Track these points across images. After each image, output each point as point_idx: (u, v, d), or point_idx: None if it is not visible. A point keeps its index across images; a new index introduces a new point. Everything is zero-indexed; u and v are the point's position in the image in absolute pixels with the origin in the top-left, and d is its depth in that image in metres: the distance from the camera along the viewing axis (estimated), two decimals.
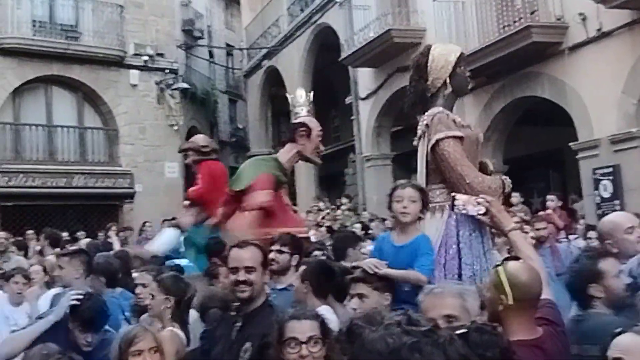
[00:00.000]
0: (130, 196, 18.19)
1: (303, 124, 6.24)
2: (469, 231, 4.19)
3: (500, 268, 2.97)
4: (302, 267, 4.38)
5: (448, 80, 4.29)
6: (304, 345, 2.88)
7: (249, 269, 3.61)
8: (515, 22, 11.87)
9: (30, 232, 11.47)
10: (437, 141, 4.15)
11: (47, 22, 18.04)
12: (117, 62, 18.54)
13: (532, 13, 11.70)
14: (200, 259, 6.51)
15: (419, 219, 4.07)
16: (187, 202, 7.70)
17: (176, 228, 7.27)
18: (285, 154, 6.41)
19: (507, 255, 3.91)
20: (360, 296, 3.74)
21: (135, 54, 18.85)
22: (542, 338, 2.91)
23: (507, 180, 4.37)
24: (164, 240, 7.14)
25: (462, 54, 4.46)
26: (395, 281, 3.93)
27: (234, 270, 3.67)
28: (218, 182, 7.17)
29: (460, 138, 4.18)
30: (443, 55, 4.35)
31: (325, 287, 4.22)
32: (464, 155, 4.15)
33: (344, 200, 15.78)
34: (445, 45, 4.71)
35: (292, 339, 2.90)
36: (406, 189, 4.03)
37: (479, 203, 3.68)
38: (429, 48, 4.44)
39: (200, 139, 8.07)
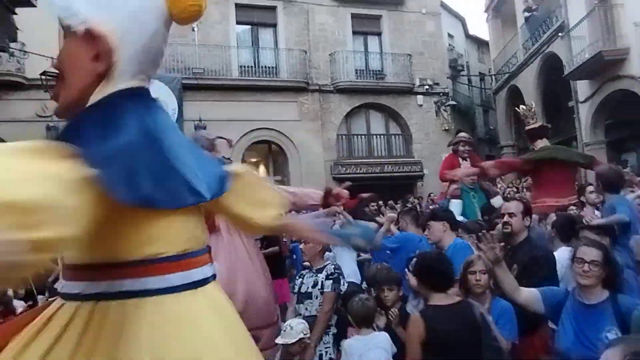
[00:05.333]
0: (420, 177, 23.44)
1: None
2: None
3: None
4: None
5: None
6: (586, 264, 3.47)
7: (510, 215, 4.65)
8: None
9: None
10: None
11: (364, 69, 24.27)
12: (408, 91, 24.29)
13: None
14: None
15: None
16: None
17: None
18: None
19: None
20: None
21: (420, 85, 24.52)
22: None
23: None
24: None
25: None
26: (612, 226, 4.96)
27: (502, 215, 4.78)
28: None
29: None
30: None
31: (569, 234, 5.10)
32: None
33: None
34: None
35: (580, 258, 3.50)
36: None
37: None
38: None
39: (468, 136, 8.76)
